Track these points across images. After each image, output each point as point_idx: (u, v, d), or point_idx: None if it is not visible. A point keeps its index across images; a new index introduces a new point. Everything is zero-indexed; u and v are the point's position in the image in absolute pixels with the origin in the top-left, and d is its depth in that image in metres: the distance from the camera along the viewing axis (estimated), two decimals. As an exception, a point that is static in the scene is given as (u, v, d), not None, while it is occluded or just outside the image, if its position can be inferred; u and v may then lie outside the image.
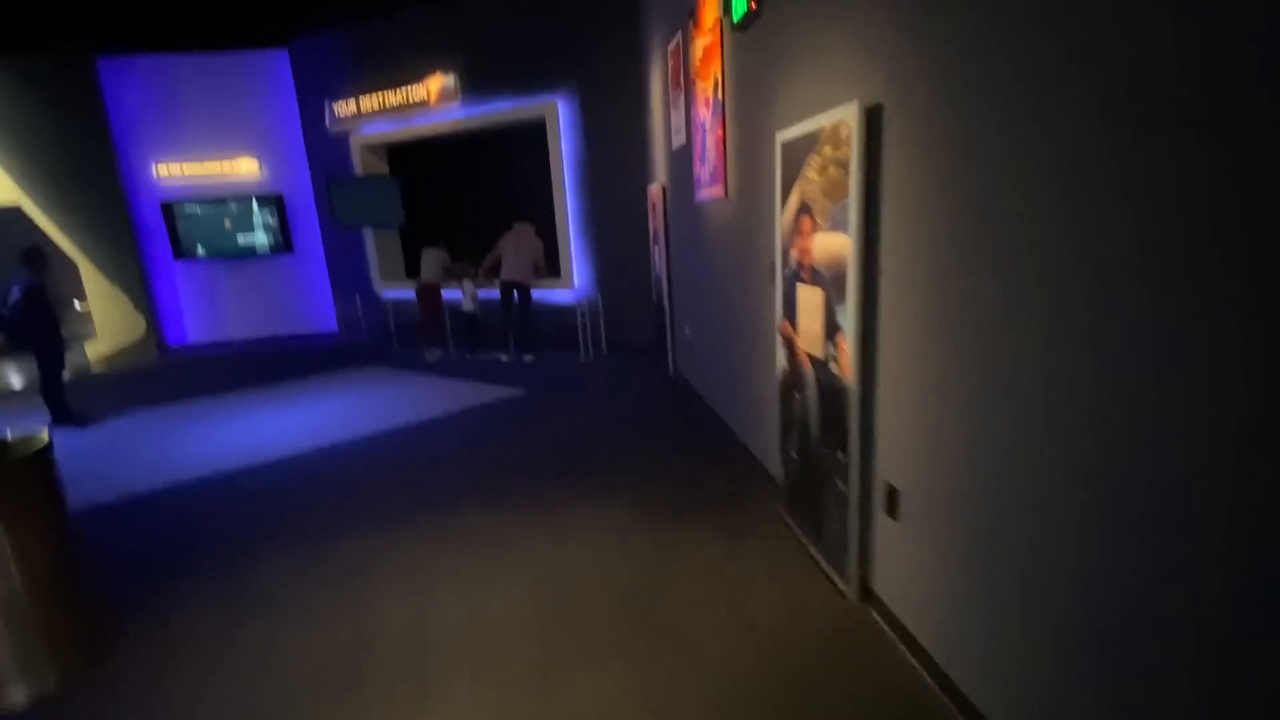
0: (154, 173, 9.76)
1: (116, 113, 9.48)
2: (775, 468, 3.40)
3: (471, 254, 8.34)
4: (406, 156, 9.73)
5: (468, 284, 7.63)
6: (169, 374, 8.65)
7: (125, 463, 4.96)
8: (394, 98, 8.51)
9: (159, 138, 9.71)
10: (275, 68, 9.67)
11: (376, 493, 4.02)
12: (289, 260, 10.33)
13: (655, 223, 6.60)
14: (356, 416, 5.81)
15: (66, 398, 6.10)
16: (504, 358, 7.58)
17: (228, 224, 9.96)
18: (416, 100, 8.35)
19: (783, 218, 2.86)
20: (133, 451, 5.23)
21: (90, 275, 9.71)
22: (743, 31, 3.33)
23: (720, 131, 3.94)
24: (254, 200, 9.93)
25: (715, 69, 3.92)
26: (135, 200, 9.79)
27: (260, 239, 10.08)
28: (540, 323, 7.75)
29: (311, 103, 9.37)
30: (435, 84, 8.15)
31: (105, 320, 9.92)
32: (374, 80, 8.65)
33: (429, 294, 7.94)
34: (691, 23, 4.45)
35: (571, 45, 7.25)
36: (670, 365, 6.51)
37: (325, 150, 9.44)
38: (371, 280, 9.58)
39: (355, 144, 9.07)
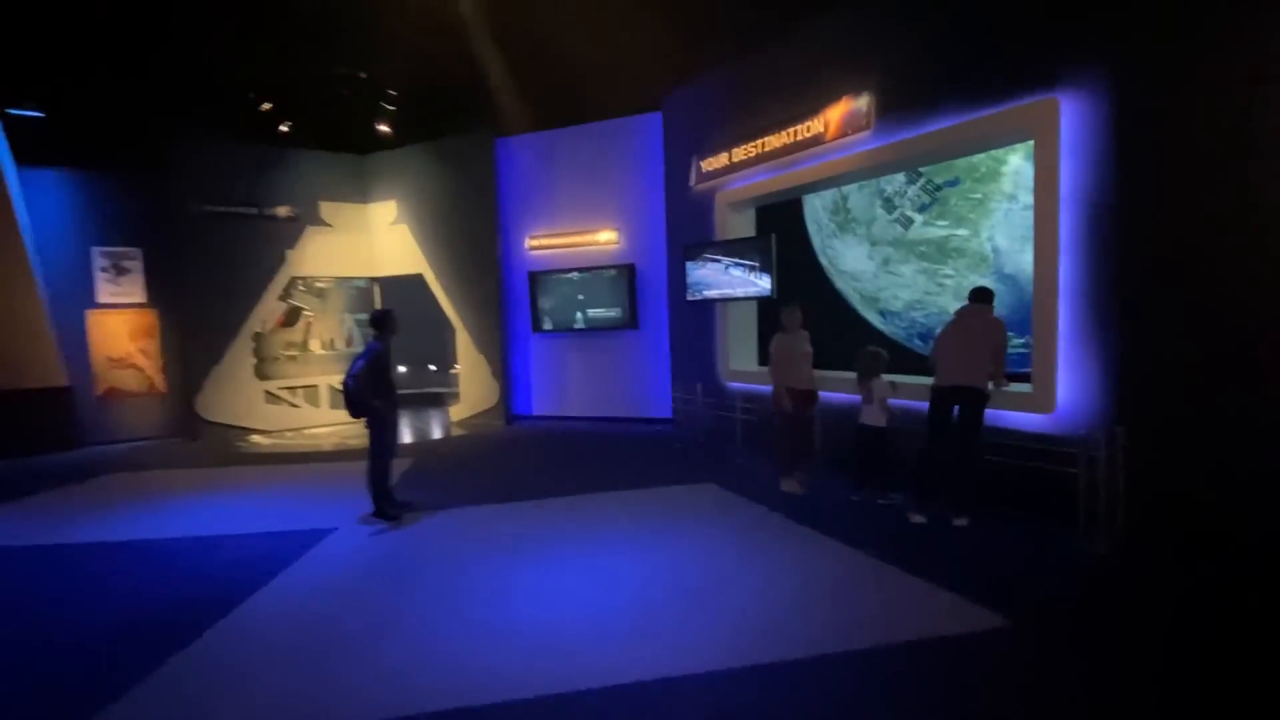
0: (525, 245, 9.77)
1: (505, 188, 9.79)
2: None
3: (851, 340, 5.78)
4: (777, 215, 7.79)
5: (878, 383, 4.96)
6: (506, 449, 7.94)
7: (355, 642, 3.44)
8: (776, 140, 6.63)
9: (534, 210, 9.72)
10: (645, 130, 8.88)
11: None
12: (633, 337, 9.24)
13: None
14: (685, 597, 3.49)
15: (391, 483, 5.24)
16: (918, 517, 4.58)
17: (580, 297, 9.36)
18: (808, 137, 6.30)
19: None
20: (388, 599, 3.76)
21: (464, 342, 10.04)
22: None
23: None
24: (606, 272, 9.14)
25: None
26: (507, 272, 9.91)
27: (607, 313, 9.22)
28: (983, 461, 4.58)
29: (677, 162, 8.20)
30: (838, 112, 5.98)
31: (469, 385, 10.14)
32: (751, 124, 6.94)
33: (789, 396, 5.53)
34: None
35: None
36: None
37: (684, 213, 8.11)
38: (717, 367, 7.70)
39: (719, 203, 7.46)
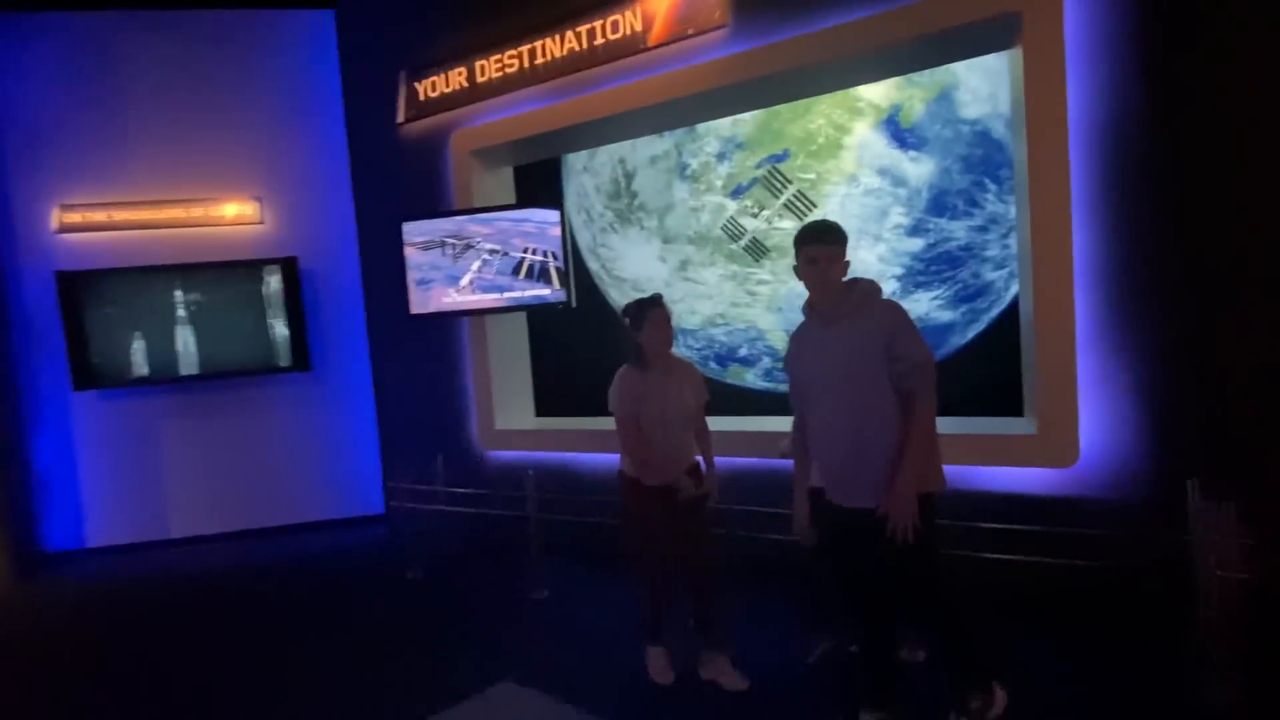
0: (54, 222, 5.08)
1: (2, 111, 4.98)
2: None
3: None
4: (534, 188, 5.08)
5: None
6: (14, 681, 3.36)
7: None
8: (554, 46, 3.99)
9: (75, 156, 5.12)
10: (306, 35, 5.28)
11: None
12: (303, 385, 5.41)
13: None
14: None
15: None
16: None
17: (183, 317, 5.14)
18: (615, 40, 3.81)
19: None
20: None
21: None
22: None
23: None
24: (244, 274, 5.17)
25: None
26: (12, 273, 5.05)
27: (249, 345, 5.22)
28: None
29: (368, 87, 4.88)
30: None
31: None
32: (510, 20, 4.18)
33: (649, 501, 2.77)
34: None
35: None
36: None
37: (389, 170, 4.83)
38: (471, 426, 4.60)
39: (457, 150, 4.44)
